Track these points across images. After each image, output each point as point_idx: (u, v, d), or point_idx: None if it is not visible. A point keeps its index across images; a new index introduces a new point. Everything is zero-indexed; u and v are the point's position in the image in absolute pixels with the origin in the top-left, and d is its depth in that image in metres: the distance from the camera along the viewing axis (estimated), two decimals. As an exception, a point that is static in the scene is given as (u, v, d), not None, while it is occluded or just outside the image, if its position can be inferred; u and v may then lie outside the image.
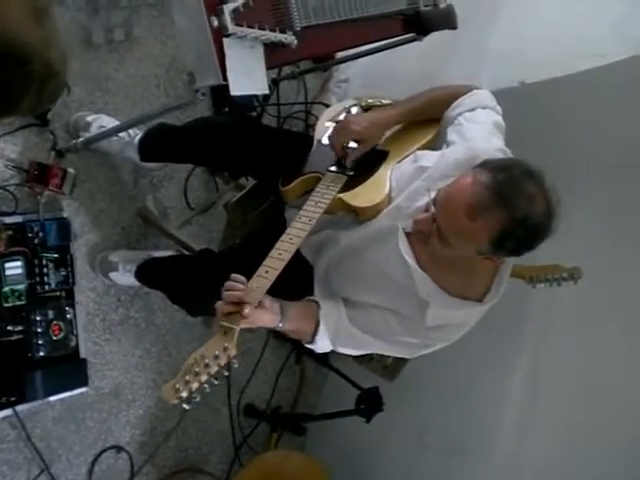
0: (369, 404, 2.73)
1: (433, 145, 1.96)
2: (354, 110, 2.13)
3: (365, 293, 1.80)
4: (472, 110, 1.89)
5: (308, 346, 1.80)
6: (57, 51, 1.16)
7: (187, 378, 1.32)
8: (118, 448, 2.60)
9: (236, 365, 1.38)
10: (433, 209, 1.59)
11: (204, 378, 1.33)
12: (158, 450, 2.74)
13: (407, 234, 1.72)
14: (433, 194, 1.62)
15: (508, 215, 1.48)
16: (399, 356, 1.86)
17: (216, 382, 1.35)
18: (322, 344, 1.77)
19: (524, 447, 2.64)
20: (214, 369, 1.34)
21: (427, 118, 2.00)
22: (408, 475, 2.97)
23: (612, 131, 2.27)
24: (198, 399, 1.33)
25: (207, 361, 1.34)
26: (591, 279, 2.31)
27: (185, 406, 1.33)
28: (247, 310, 1.46)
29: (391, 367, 2.74)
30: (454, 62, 2.60)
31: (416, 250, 1.71)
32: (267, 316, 1.56)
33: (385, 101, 2.15)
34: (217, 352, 1.36)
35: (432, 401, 2.95)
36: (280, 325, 1.61)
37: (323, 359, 3.16)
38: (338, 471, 2.94)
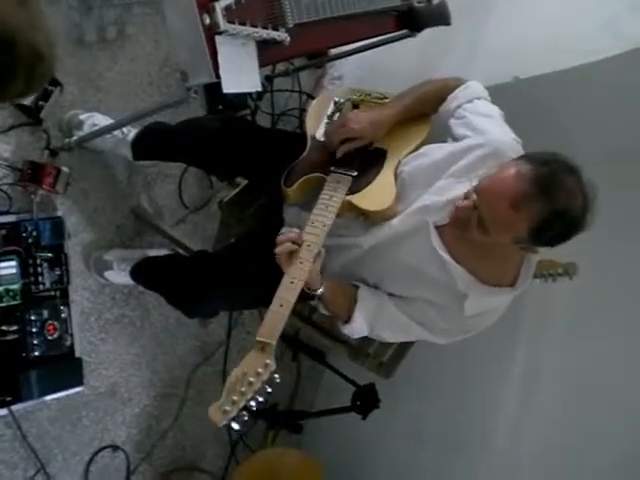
0: (365, 401, 2.73)
1: (430, 139, 1.99)
2: (344, 107, 2.13)
3: (395, 287, 1.84)
4: (470, 102, 1.93)
5: (344, 329, 1.86)
6: (43, 34, 1.15)
7: (234, 398, 1.33)
8: (114, 447, 2.60)
9: (278, 380, 1.39)
10: (474, 197, 1.63)
11: (250, 396, 1.34)
12: (154, 449, 2.74)
13: (436, 228, 1.75)
14: (475, 182, 1.66)
15: (549, 207, 1.54)
16: (437, 342, 1.87)
17: (261, 399, 1.36)
18: (358, 325, 1.82)
19: (523, 443, 2.64)
20: (258, 386, 1.36)
21: (420, 114, 2.03)
22: (405, 472, 2.97)
23: (607, 126, 2.27)
24: (246, 418, 1.34)
25: (250, 379, 1.35)
26: (586, 275, 2.31)
27: (235, 426, 1.34)
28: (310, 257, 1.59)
29: (387, 364, 2.73)
30: (448, 58, 2.59)
31: (448, 243, 1.75)
32: (315, 275, 1.66)
33: (374, 94, 2.15)
34: (259, 369, 1.37)
35: (429, 397, 2.94)
36: (321, 290, 1.70)
37: (319, 356, 3.16)
38: (334, 468, 2.94)
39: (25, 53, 1.11)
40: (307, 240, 1.66)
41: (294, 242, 1.61)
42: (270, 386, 1.38)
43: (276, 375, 1.39)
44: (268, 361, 1.39)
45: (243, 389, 1.34)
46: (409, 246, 1.79)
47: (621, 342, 2.42)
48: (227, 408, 1.32)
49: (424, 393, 2.94)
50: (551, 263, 2.34)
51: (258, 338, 1.45)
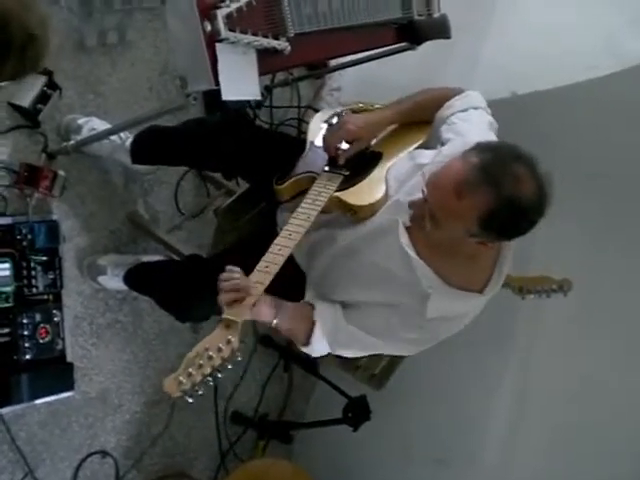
0: (356, 413, 2.72)
1: (426, 146, 1.98)
2: (344, 114, 2.14)
3: (359, 292, 1.81)
4: (464, 110, 1.92)
5: (304, 349, 1.79)
6: (35, 15, 1.18)
7: (190, 371, 1.32)
8: (103, 453, 2.58)
9: (240, 358, 1.37)
10: (425, 191, 1.59)
11: (207, 371, 1.33)
12: (144, 455, 2.73)
13: (407, 228, 1.73)
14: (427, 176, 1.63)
15: (494, 193, 1.48)
16: (403, 354, 1.84)
17: (220, 375, 1.34)
18: (318, 346, 1.77)
19: (511, 456, 2.64)
20: (217, 362, 1.34)
21: (418, 120, 2.02)
22: (395, 484, 2.97)
23: (602, 143, 2.28)
24: (201, 392, 1.33)
25: (210, 354, 1.34)
26: (580, 291, 2.32)
27: (188, 399, 1.33)
28: (253, 298, 1.48)
29: (379, 376, 2.73)
30: (447, 71, 2.61)
31: (416, 243, 1.72)
32: (265, 308, 1.59)
33: (377, 106, 2.16)
34: (220, 345, 1.35)
35: (420, 410, 2.94)
36: (275, 321, 1.63)
37: (311, 367, 3.15)
38: (324, 479, 2.93)
39: (17, 34, 1.12)
40: (289, 230, 1.67)
41: (238, 290, 1.50)
42: (231, 364, 1.36)
43: (238, 353, 1.36)
44: (231, 337, 1.36)
45: (201, 362, 1.33)
46: (379, 244, 1.77)
47: (613, 357, 2.43)
48: (182, 379, 1.31)
49: (415, 406, 2.94)
50: (545, 279, 2.35)
51: (224, 315, 1.43)
